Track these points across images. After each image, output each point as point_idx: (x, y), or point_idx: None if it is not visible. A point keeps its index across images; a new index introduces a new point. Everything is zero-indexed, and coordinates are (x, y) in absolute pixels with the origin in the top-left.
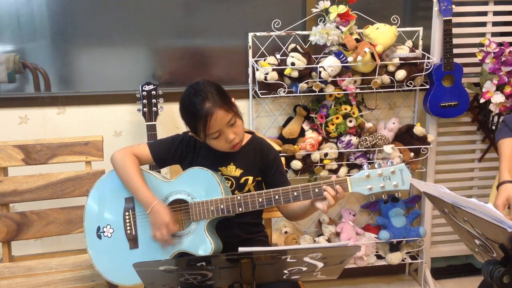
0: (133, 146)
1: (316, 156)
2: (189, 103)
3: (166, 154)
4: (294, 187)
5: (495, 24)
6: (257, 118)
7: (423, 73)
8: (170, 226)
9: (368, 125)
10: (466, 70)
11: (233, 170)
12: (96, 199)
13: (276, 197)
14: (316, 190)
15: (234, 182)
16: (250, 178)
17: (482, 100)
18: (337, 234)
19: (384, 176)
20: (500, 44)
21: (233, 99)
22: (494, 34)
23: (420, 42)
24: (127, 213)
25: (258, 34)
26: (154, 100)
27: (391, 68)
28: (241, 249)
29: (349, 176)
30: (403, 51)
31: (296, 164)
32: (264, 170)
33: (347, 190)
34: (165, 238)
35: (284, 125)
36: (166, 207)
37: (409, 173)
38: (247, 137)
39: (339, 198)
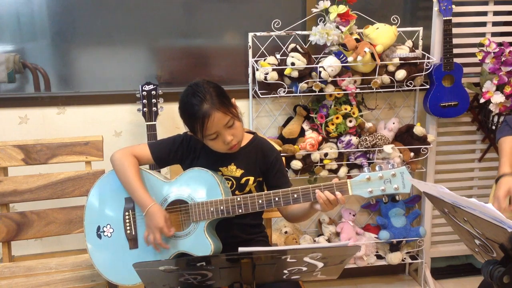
0: (133, 146)
1: (316, 156)
2: (188, 103)
3: (167, 154)
4: (294, 189)
5: (495, 24)
6: (257, 118)
7: (423, 73)
8: (164, 230)
9: (368, 125)
10: (466, 70)
11: (233, 170)
12: (96, 199)
13: (276, 199)
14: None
15: (234, 182)
16: (251, 179)
17: (482, 100)
18: (337, 234)
19: (385, 179)
20: (500, 44)
21: (233, 100)
22: (494, 34)
23: (420, 42)
24: (127, 213)
25: (258, 34)
26: (154, 100)
27: (391, 68)
28: (241, 249)
29: (349, 177)
30: (403, 51)
31: (296, 164)
32: (265, 171)
33: (347, 193)
34: (157, 241)
35: (284, 125)
36: (163, 210)
37: (410, 176)
38: (249, 137)
39: (334, 204)
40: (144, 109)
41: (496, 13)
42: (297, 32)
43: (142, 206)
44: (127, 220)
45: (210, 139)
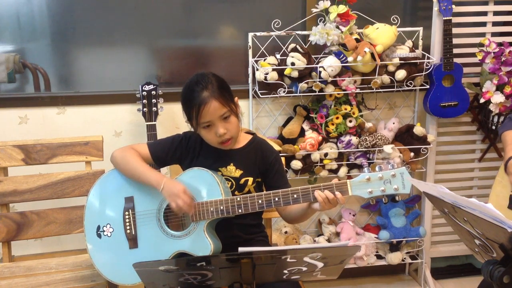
0: (132, 145)
1: (316, 156)
2: (189, 89)
3: (166, 154)
4: (294, 190)
5: (495, 24)
6: (257, 118)
7: (423, 73)
8: (187, 191)
9: (368, 125)
10: (466, 70)
11: (233, 171)
12: (96, 198)
13: (276, 199)
14: None
15: (234, 182)
16: (250, 179)
17: (482, 100)
18: (337, 234)
19: (384, 179)
20: (500, 44)
21: (236, 99)
22: (494, 34)
23: (420, 42)
24: (126, 213)
25: (258, 34)
26: (154, 100)
27: (391, 68)
28: (241, 249)
29: (349, 177)
30: (403, 51)
31: (296, 164)
32: (264, 172)
33: (347, 193)
34: (188, 202)
35: (284, 125)
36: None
37: (409, 176)
38: (248, 137)
39: (334, 203)
40: (144, 109)
41: (496, 13)
42: (297, 32)
43: (156, 182)
44: (127, 220)
45: (203, 127)
